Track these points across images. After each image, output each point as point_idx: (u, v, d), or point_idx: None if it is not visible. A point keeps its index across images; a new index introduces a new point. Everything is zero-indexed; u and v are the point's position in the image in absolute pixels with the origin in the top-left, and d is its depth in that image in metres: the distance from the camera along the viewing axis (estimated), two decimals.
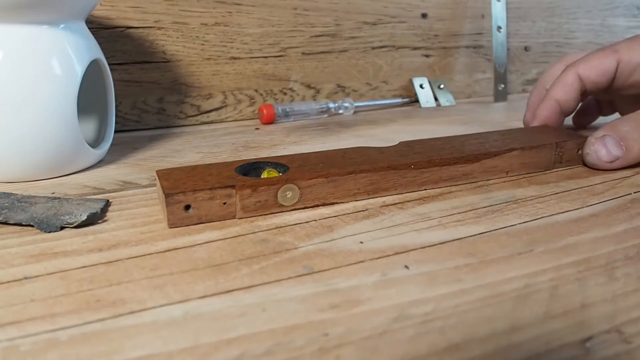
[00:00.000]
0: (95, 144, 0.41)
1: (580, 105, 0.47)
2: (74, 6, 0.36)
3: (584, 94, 0.44)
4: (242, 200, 0.29)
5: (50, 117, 0.35)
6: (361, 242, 0.27)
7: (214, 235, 0.27)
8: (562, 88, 0.43)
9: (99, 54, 0.39)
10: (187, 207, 0.28)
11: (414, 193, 0.33)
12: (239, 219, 0.29)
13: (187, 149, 0.45)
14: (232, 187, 0.29)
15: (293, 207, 0.31)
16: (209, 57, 0.54)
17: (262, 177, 0.32)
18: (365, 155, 0.34)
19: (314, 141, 0.47)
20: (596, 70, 0.42)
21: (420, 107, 0.64)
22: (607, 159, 0.37)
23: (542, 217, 0.30)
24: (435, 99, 0.66)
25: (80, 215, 0.28)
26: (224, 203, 0.29)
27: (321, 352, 0.19)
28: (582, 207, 0.31)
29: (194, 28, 0.53)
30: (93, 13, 0.48)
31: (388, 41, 0.63)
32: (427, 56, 0.66)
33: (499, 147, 0.36)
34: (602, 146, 0.37)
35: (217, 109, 0.56)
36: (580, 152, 0.38)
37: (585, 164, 0.39)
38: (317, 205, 0.31)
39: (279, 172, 0.32)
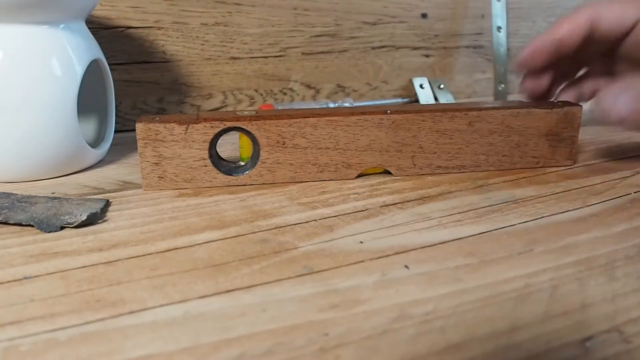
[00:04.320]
0: (95, 144, 0.41)
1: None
2: (74, 6, 0.36)
3: (587, 42, 0.38)
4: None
5: (50, 117, 0.35)
6: (361, 242, 0.27)
7: (214, 235, 0.27)
8: (568, 24, 0.38)
9: (99, 54, 0.39)
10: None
11: (414, 193, 0.33)
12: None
13: None
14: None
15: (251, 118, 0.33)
16: (209, 57, 0.54)
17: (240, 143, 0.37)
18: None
19: None
20: (614, 17, 0.37)
21: None
22: (618, 112, 0.33)
23: (542, 217, 0.30)
24: (436, 99, 0.66)
25: (80, 215, 0.28)
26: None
27: (321, 352, 0.19)
28: (582, 207, 0.31)
29: (194, 28, 0.53)
30: (93, 13, 0.48)
31: (388, 41, 0.63)
32: (427, 56, 0.66)
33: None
34: (614, 100, 0.33)
35: (217, 109, 0.56)
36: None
37: (595, 119, 0.35)
38: (274, 118, 0.33)
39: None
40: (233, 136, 0.50)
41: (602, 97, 0.35)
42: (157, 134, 0.32)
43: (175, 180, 0.33)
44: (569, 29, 0.38)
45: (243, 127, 0.33)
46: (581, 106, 0.37)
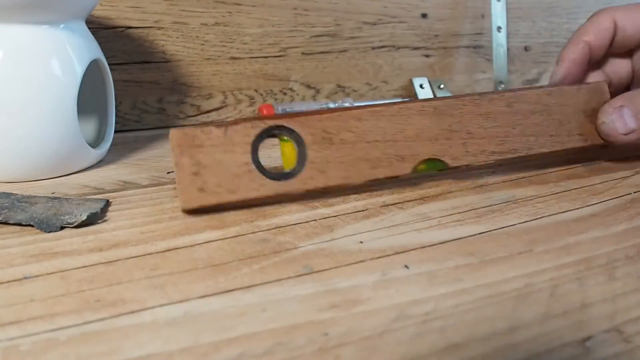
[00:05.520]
0: (95, 144, 0.41)
1: None
2: (74, 6, 0.36)
3: (610, 46, 0.40)
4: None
5: (50, 117, 0.35)
6: (361, 242, 0.27)
7: (214, 235, 0.27)
8: (595, 30, 0.39)
9: (99, 54, 0.39)
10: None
11: (414, 193, 0.33)
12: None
13: None
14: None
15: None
16: (209, 57, 0.54)
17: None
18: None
19: None
20: (634, 21, 0.38)
21: None
22: (623, 130, 0.35)
23: (542, 217, 0.30)
24: None
25: (80, 215, 0.28)
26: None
27: (321, 352, 0.19)
28: (582, 207, 0.31)
29: (194, 28, 0.53)
30: (93, 13, 0.48)
31: (388, 41, 0.63)
32: (427, 56, 0.66)
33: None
34: (619, 116, 0.35)
35: (217, 109, 0.56)
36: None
37: (599, 134, 0.37)
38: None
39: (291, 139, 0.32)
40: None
41: (602, 114, 0.36)
42: (193, 140, 0.29)
43: (217, 191, 0.29)
44: (595, 35, 0.39)
45: (285, 124, 0.31)
46: (605, 82, 0.38)
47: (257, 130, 0.30)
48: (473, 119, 0.35)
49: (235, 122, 0.30)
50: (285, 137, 0.32)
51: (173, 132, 0.29)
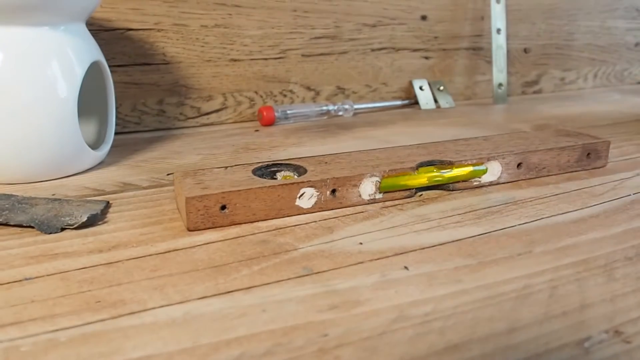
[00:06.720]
0: (95, 145, 0.41)
1: None
2: (74, 8, 0.36)
3: None
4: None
5: (51, 118, 0.35)
6: (361, 243, 0.27)
7: (214, 237, 0.27)
8: None
9: (99, 55, 0.39)
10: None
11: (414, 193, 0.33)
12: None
13: (187, 150, 0.45)
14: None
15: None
16: (209, 59, 0.54)
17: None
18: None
19: (314, 143, 0.47)
20: None
21: (419, 108, 0.64)
22: None
23: (541, 218, 0.30)
24: (435, 100, 0.66)
25: (81, 216, 0.29)
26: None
27: (321, 353, 0.19)
28: (582, 209, 0.31)
29: (194, 30, 0.53)
30: (93, 15, 0.48)
31: (388, 43, 0.63)
32: (426, 58, 0.66)
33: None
34: None
35: (217, 111, 0.56)
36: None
37: None
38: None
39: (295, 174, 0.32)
40: (233, 139, 0.50)
41: None
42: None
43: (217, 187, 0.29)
44: None
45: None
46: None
47: None
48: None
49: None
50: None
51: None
